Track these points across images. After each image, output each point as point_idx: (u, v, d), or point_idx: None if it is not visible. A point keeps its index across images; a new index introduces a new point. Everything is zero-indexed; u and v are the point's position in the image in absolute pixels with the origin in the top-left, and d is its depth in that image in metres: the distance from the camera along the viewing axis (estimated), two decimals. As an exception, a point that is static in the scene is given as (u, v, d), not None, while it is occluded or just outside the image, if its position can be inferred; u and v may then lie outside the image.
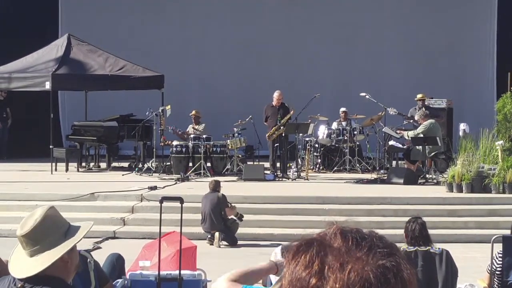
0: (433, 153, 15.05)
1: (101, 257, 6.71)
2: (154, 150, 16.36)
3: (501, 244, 6.92)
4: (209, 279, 6.68)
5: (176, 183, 14.67)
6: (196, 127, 16.87)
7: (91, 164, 17.77)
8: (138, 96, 18.51)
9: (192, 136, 16.29)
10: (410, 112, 16.50)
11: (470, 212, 12.42)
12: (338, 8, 21.07)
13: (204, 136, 16.18)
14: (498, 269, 6.84)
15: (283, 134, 15.75)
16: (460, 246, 10.61)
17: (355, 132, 16.85)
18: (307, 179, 15.26)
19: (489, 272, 7.01)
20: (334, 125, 17.24)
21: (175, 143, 16.19)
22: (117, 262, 6.85)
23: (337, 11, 21.06)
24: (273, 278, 5.46)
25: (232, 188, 13.38)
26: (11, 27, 20.21)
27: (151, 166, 16.28)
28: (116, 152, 18.95)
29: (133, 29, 20.88)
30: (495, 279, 6.90)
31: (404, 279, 1.41)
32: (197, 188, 13.37)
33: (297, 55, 20.99)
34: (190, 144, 16.03)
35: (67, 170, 16.48)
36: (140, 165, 16.61)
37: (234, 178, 15.32)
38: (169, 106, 16.06)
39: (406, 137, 15.46)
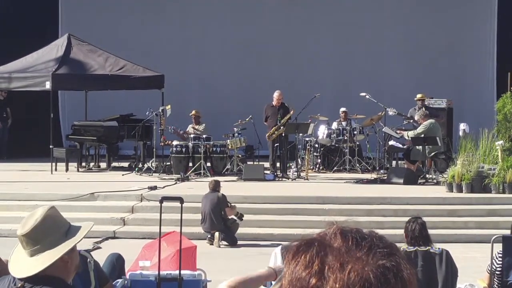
0: (433, 153, 15.05)
1: (101, 257, 6.71)
2: (154, 150, 16.36)
3: (501, 244, 6.92)
4: (209, 279, 6.68)
5: (176, 183, 14.67)
6: (197, 127, 16.87)
7: (91, 164, 17.77)
8: (138, 96, 18.51)
9: (192, 136, 16.30)
10: (409, 113, 16.51)
11: (470, 212, 12.42)
12: (338, 8, 21.07)
13: (204, 136, 16.19)
14: (498, 269, 6.85)
15: (283, 134, 15.75)
16: (460, 246, 10.61)
17: (355, 132, 16.86)
18: (307, 179, 15.26)
19: (489, 272, 7.01)
20: (334, 125, 17.24)
21: (175, 143, 16.20)
22: (117, 262, 6.85)
23: (337, 11, 21.06)
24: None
25: (232, 188, 13.39)
26: (11, 27, 20.21)
27: (151, 166, 16.29)
28: (116, 152, 18.95)
29: (133, 29, 20.88)
30: (495, 279, 6.90)
31: (404, 279, 1.42)
32: (197, 188, 13.37)
33: (297, 55, 20.99)
34: (190, 144, 16.03)
35: (67, 170, 16.48)
36: (140, 165, 16.62)
37: (234, 178, 15.32)
38: (169, 106, 16.07)
39: (406, 137, 15.47)
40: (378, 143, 16.72)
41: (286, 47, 21.00)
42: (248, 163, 16.71)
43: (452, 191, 13.16)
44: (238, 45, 20.97)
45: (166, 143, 16.37)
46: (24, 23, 20.20)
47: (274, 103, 16.08)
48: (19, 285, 3.01)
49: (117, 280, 6.32)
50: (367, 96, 16.20)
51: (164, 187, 13.94)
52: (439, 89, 19.19)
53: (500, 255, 6.84)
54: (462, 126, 16.83)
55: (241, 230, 11.37)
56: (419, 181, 14.60)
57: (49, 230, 3.05)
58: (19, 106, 19.75)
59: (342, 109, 17.59)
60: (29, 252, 3.03)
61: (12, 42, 19.24)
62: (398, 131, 15.82)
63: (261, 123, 16.37)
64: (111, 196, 13.04)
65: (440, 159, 15.37)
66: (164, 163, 16.30)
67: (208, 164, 16.11)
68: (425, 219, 6.70)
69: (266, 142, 16.27)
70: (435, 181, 14.58)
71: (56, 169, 16.34)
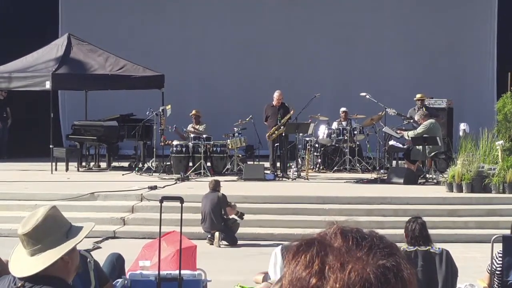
0: (433, 153, 15.05)
1: (101, 257, 6.71)
2: (154, 149, 16.36)
3: (501, 244, 6.92)
4: (209, 279, 6.69)
5: (176, 182, 14.67)
6: (197, 127, 16.87)
7: (91, 164, 17.78)
8: (138, 95, 18.51)
9: (192, 135, 16.30)
10: (409, 113, 16.50)
11: (470, 212, 12.43)
12: (338, 8, 21.07)
13: (204, 136, 16.19)
14: (498, 269, 6.85)
15: (283, 134, 15.76)
16: (460, 246, 10.61)
17: (355, 132, 16.86)
18: (307, 179, 15.26)
19: (489, 272, 7.01)
20: (334, 125, 17.25)
21: (175, 142, 16.20)
22: (117, 262, 6.85)
23: (337, 11, 21.06)
24: (273, 276, 5.47)
25: (232, 188, 13.39)
26: (11, 27, 20.21)
27: (151, 165, 16.29)
28: (116, 151, 18.95)
29: (133, 29, 20.88)
30: (495, 279, 6.90)
31: (404, 279, 1.42)
32: (197, 188, 13.37)
33: (297, 55, 20.99)
34: (190, 144, 16.04)
35: (67, 169, 16.48)
36: (140, 165, 16.62)
37: (234, 178, 15.32)
38: (169, 106, 16.07)
39: (406, 137, 15.47)
40: (378, 143, 16.72)
41: (286, 47, 21.00)
42: (248, 163, 16.71)
43: (452, 191, 13.16)
44: (238, 45, 20.97)
45: (166, 143, 16.37)
46: (24, 23, 20.19)
47: (274, 103, 16.08)
48: (19, 284, 3.01)
49: (117, 280, 6.33)
50: (367, 96, 16.21)
51: (164, 187, 13.94)
52: (439, 89, 19.18)
53: (500, 255, 6.85)
54: (462, 126, 16.83)
55: (241, 230, 11.37)
56: (419, 181, 14.60)
57: (50, 230, 3.05)
58: (19, 106, 19.75)
59: (342, 109, 17.59)
60: (30, 252, 3.03)
61: (12, 42, 19.24)
62: (398, 131, 15.82)
63: (261, 123, 16.37)
64: (111, 196, 13.04)
65: (440, 159, 15.38)
66: (164, 163, 16.30)
67: (208, 164, 16.12)
68: (425, 219, 6.70)
69: (266, 142, 16.27)
70: (435, 181, 14.58)
71: (56, 169, 16.34)
